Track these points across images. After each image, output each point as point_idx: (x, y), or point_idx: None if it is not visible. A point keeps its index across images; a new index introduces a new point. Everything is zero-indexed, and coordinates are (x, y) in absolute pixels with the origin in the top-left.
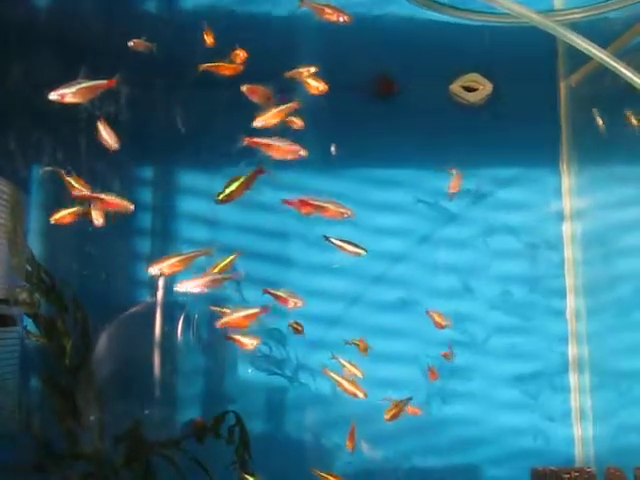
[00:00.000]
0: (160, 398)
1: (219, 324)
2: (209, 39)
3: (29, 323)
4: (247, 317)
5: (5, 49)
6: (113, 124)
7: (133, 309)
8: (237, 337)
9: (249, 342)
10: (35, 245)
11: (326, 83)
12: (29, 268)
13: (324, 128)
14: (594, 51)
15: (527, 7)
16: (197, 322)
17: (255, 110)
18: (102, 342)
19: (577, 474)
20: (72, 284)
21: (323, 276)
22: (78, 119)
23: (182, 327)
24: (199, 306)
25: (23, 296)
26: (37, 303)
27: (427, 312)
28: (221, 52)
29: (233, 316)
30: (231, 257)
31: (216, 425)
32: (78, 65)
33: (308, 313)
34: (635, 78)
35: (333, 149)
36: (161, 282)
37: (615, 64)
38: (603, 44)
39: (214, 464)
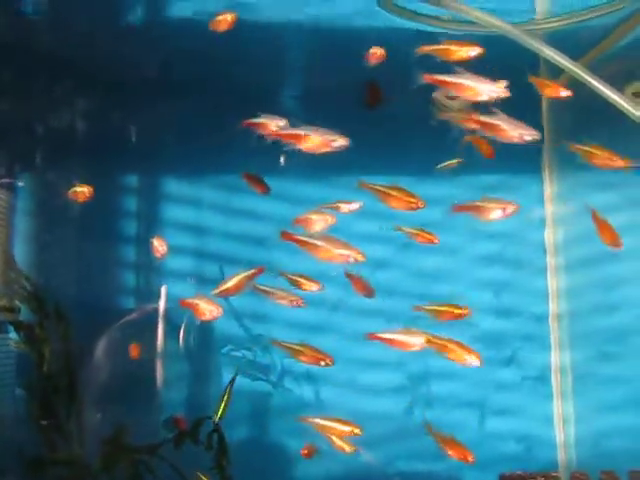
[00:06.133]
0: (143, 404)
1: None
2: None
3: (10, 329)
4: None
5: None
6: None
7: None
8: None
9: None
10: (18, 251)
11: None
12: (11, 275)
13: None
14: (562, 61)
15: (496, 16)
16: (181, 329)
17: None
18: (87, 350)
19: (543, 479)
20: (54, 290)
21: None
22: (60, 129)
23: (165, 334)
24: (183, 313)
25: (3, 302)
26: (17, 309)
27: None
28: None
29: None
30: None
31: (194, 431)
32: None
33: (292, 320)
34: (603, 88)
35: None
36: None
37: (582, 73)
38: (584, 51)
39: (194, 469)
